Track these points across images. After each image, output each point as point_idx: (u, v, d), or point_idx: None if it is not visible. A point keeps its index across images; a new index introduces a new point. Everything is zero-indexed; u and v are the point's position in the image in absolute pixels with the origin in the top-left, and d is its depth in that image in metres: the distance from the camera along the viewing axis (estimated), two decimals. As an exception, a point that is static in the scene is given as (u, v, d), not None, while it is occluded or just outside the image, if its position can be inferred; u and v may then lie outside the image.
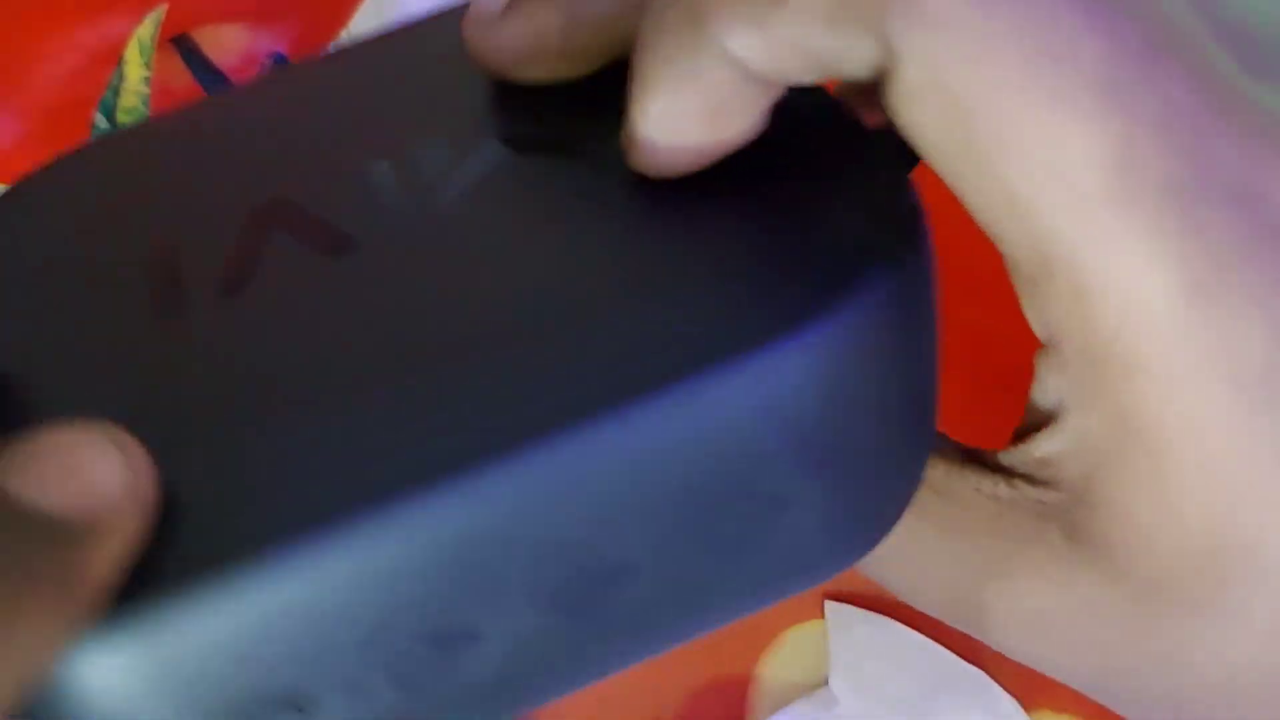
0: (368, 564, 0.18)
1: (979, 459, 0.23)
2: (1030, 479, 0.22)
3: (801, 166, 0.21)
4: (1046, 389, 0.21)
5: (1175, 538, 0.20)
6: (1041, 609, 0.22)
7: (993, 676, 0.35)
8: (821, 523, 0.20)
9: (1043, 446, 0.22)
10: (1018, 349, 0.29)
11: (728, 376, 0.18)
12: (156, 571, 0.18)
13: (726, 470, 0.19)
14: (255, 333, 0.20)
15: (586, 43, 0.22)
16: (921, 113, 0.19)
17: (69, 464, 0.18)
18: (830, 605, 0.36)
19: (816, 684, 0.36)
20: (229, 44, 0.37)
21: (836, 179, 0.21)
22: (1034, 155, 0.18)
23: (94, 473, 0.18)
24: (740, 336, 0.18)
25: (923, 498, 0.22)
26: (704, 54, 0.19)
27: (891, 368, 0.20)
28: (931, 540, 0.23)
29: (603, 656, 0.20)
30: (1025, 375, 0.22)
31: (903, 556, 0.23)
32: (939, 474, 0.23)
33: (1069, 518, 0.21)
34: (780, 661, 0.36)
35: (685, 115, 0.20)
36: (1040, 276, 0.20)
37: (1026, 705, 0.35)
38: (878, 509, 0.21)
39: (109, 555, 0.18)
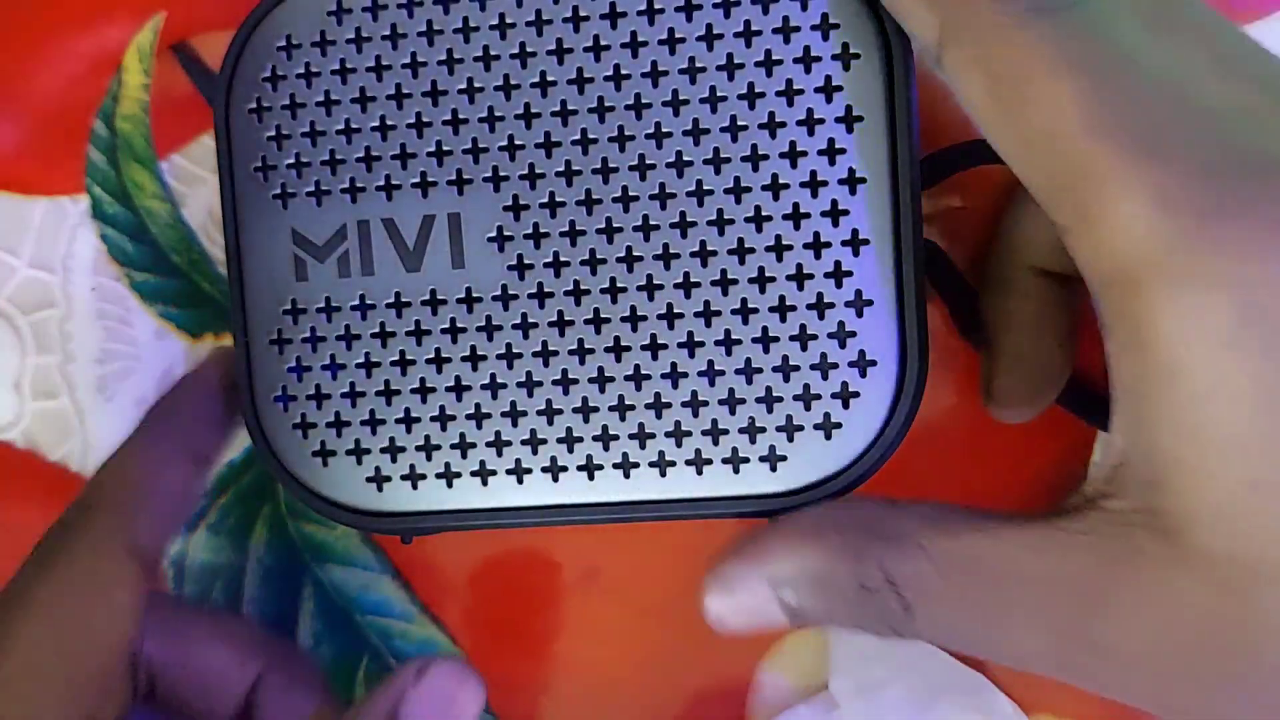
0: None
1: (1065, 507, 0.25)
2: (1108, 494, 0.24)
3: None
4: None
5: (1229, 476, 0.22)
6: (1149, 626, 0.23)
7: (993, 681, 0.35)
8: None
9: (1108, 449, 0.24)
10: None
11: None
12: None
13: None
14: None
15: None
16: (968, 80, 0.24)
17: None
18: (831, 609, 0.36)
19: (817, 687, 0.36)
20: (228, 50, 0.37)
21: None
22: (1039, 103, 0.23)
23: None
24: None
25: (1022, 561, 0.24)
26: None
27: None
28: (1040, 597, 0.24)
29: None
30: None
31: (1013, 622, 0.24)
32: (1033, 536, 0.24)
33: (1152, 513, 0.23)
34: (781, 665, 0.37)
35: None
36: (1055, 207, 0.23)
37: (1027, 709, 0.35)
38: None
39: None
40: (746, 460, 0.28)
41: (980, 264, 0.33)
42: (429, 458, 0.29)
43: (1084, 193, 0.23)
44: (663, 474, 0.28)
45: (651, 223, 0.28)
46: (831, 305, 0.27)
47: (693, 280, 0.28)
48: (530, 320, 0.29)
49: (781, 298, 0.28)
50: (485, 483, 0.29)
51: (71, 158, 0.37)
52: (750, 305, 0.28)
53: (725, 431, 0.28)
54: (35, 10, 0.37)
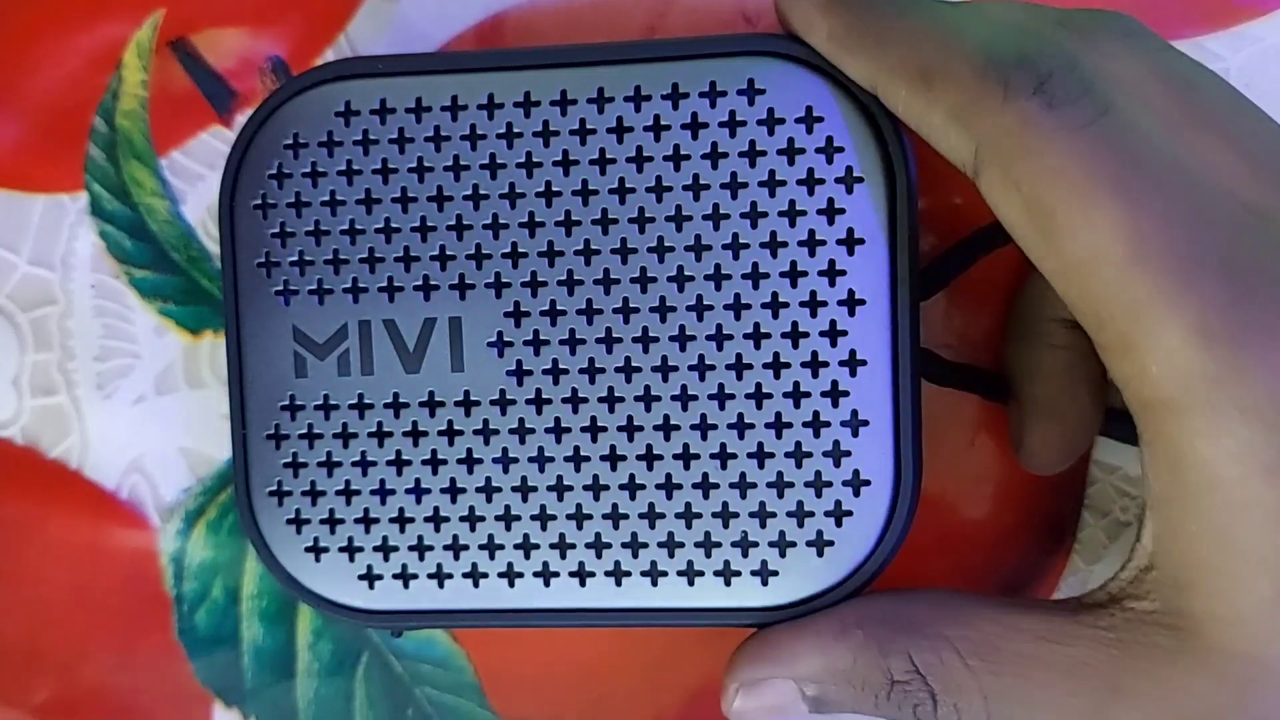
0: None
1: (1088, 602, 0.26)
2: (1134, 595, 0.25)
3: None
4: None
5: (1261, 586, 0.23)
6: (1163, 715, 0.24)
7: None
8: None
9: (1136, 553, 0.25)
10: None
11: None
12: None
13: None
14: None
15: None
16: (1006, 202, 0.24)
17: None
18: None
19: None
20: (227, 47, 0.36)
21: None
22: (1077, 231, 0.23)
23: None
24: None
25: (1044, 651, 0.25)
26: None
27: None
28: (1060, 685, 0.25)
29: None
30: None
31: (1033, 707, 0.25)
32: (1055, 626, 0.26)
33: (1177, 614, 0.24)
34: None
35: None
36: (1095, 329, 0.24)
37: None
38: None
39: None
40: (738, 574, 0.28)
41: (1007, 317, 0.33)
42: (421, 558, 0.29)
43: (1124, 321, 0.23)
44: (654, 584, 0.28)
45: (651, 335, 0.28)
46: (827, 424, 0.28)
47: (690, 393, 0.28)
48: (527, 426, 0.29)
49: (778, 414, 0.28)
50: (477, 585, 0.29)
51: (71, 154, 0.37)
52: (746, 420, 0.28)
53: (718, 544, 0.28)
54: (35, 7, 0.37)
